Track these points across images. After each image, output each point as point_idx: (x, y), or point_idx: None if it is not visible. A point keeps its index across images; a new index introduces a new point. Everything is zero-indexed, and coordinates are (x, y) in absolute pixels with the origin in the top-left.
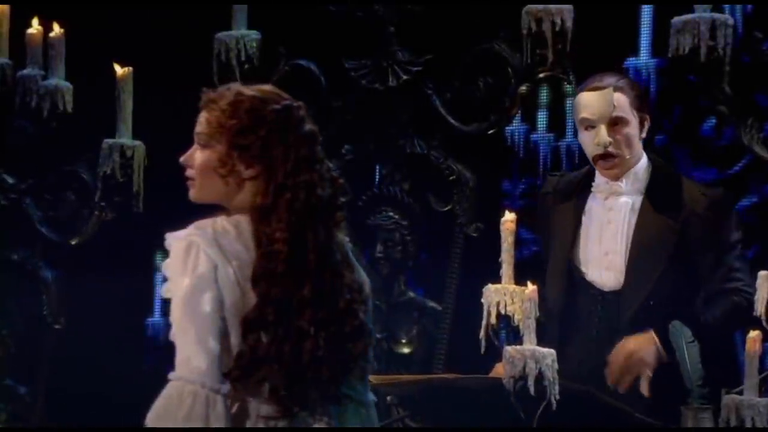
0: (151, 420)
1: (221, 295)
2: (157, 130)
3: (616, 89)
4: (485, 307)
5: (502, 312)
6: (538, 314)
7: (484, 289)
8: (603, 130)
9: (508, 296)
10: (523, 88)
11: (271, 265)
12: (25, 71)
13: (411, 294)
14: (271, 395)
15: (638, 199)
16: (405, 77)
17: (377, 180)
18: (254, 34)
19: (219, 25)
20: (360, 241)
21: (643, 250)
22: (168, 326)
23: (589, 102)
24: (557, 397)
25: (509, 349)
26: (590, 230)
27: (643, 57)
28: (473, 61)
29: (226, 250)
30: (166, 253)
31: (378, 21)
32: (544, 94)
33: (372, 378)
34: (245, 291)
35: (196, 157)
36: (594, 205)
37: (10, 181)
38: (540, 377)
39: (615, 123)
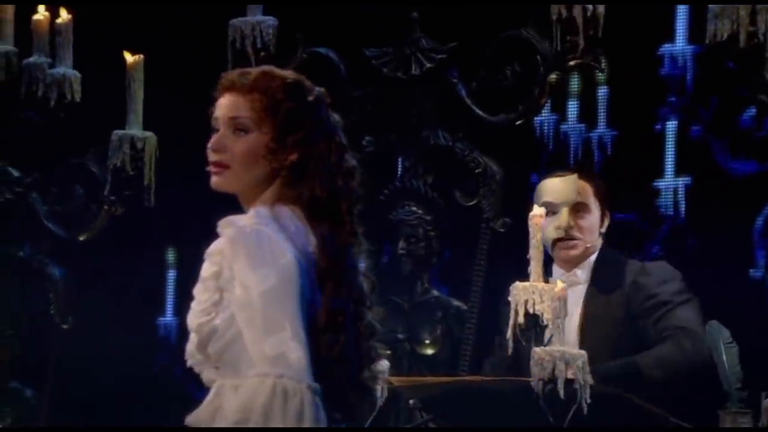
0: (249, 421)
1: (302, 288)
2: (169, 121)
3: (581, 177)
4: (513, 306)
5: (531, 311)
6: (566, 313)
7: (511, 287)
8: (565, 213)
9: (537, 294)
10: (553, 76)
11: (336, 263)
12: (31, 59)
13: (435, 292)
14: (328, 397)
15: (586, 287)
16: (428, 65)
17: (399, 173)
18: (270, 20)
19: (233, 10)
20: (381, 237)
21: (593, 335)
22: (179, 325)
23: (552, 187)
24: (588, 400)
25: (538, 351)
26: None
27: (679, 43)
28: (500, 48)
29: (293, 242)
30: (179, 249)
31: (400, 6)
32: (574, 83)
33: (394, 380)
34: (310, 287)
35: (236, 142)
36: None
37: (16, 174)
38: (570, 380)
39: (577, 209)
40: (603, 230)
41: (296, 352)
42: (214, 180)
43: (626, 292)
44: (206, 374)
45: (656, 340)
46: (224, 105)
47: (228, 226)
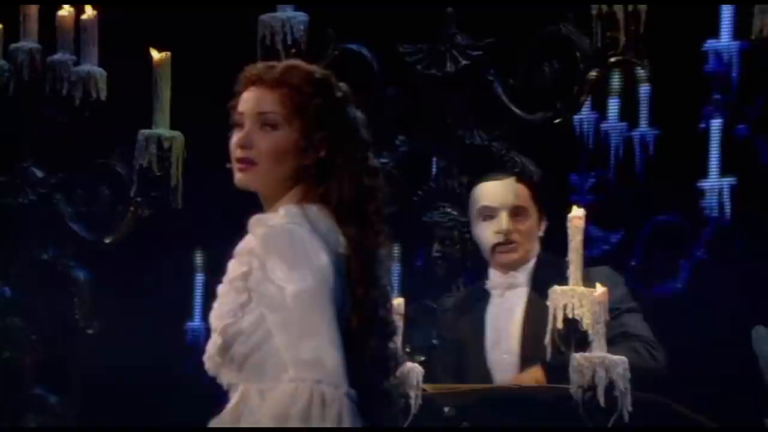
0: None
1: (335, 291)
2: (197, 120)
3: (519, 180)
4: (551, 311)
5: (570, 316)
6: (607, 318)
7: (549, 291)
8: (504, 217)
9: (576, 299)
10: (593, 73)
11: (366, 266)
12: (55, 56)
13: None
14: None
15: (528, 291)
16: (464, 62)
17: (434, 174)
18: (301, 16)
19: (263, 6)
20: (415, 239)
21: (534, 339)
22: (208, 331)
23: (489, 190)
24: (629, 408)
25: (577, 357)
26: (490, 336)
27: (724, 39)
28: (538, 44)
29: (325, 242)
30: (207, 252)
31: (435, 1)
32: (615, 80)
33: (428, 387)
34: (341, 290)
35: (263, 139)
36: (491, 310)
37: (40, 174)
38: (610, 387)
39: (516, 213)
40: (541, 234)
41: (333, 357)
42: (240, 177)
43: None
44: (226, 377)
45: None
46: (251, 99)
47: (259, 225)
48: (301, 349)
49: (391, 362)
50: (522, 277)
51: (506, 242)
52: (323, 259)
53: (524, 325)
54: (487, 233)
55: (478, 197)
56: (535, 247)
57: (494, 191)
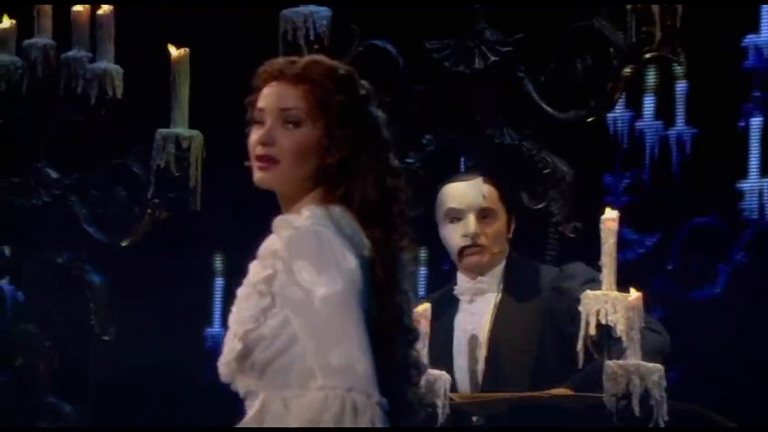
0: None
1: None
2: (216, 118)
3: (486, 180)
4: (583, 316)
5: (603, 322)
6: (642, 323)
7: (582, 296)
8: (471, 219)
9: (610, 304)
10: (627, 70)
11: (391, 270)
12: (70, 53)
13: None
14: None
15: (497, 296)
16: (493, 59)
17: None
18: (324, 11)
19: (285, 1)
20: (442, 243)
21: (509, 348)
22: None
23: (456, 192)
24: (665, 417)
25: (611, 364)
26: (457, 344)
27: (764, 34)
28: (570, 40)
29: (352, 245)
30: (227, 256)
31: None
32: (650, 77)
33: (454, 396)
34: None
35: (285, 136)
36: (460, 317)
37: (54, 175)
38: (646, 395)
39: (484, 215)
40: (510, 235)
41: (364, 364)
42: (260, 176)
43: (546, 298)
44: (244, 384)
45: None
46: (272, 95)
47: (285, 227)
48: (330, 355)
49: (413, 370)
50: (491, 281)
51: (473, 245)
52: (351, 261)
53: (492, 331)
54: (454, 236)
55: (445, 199)
56: (504, 250)
57: (461, 192)
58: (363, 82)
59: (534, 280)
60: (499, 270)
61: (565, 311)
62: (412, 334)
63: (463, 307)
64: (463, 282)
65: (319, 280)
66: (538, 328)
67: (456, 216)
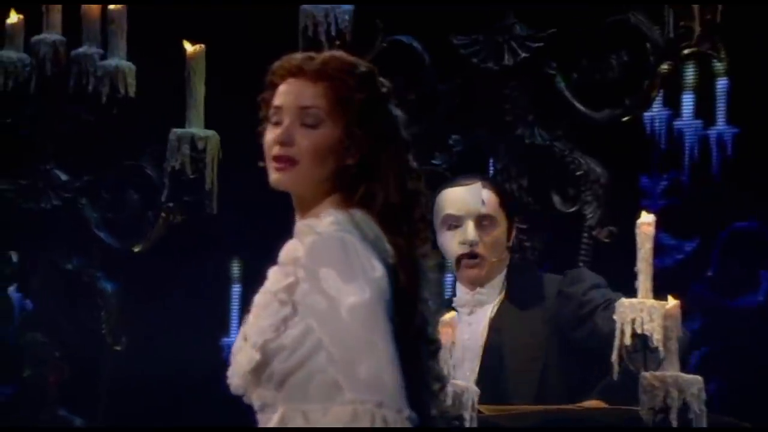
0: None
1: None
2: (234, 118)
3: (486, 186)
4: (618, 326)
5: (638, 331)
6: (680, 333)
7: (617, 304)
8: (470, 226)
9: (646, 312)
10: (665, 66)
11: (414, 277)
12: (80, 49)
13: None
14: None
15: (496, 306)
16: (523, 55)
17: (491, 176)
18: (346, 6)
19: None
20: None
21: (516, 360)
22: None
23: (455, 197)
24: None
25: (647, 376)
26: (455, 356)
27: None
28: (605, 35)
29: (376, 251)
30: (244, 262)
31: None
32: (689, 74)
33: (483, 408)
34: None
35: (304, 136)
36: (459, 329)
37: (63, 177)
38: (684, 409)
39: (483, 222)
40: (510, 243)
41: (393, 377)
42: (277, 177)
43: (551, 305)
44: (259, 396)
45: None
46: (291, 93)
47: (307, 232)
48: (358, 367)
49: (436, 383)
50: (490, 292)
51: (471, 255)
52: (378, 269)
53: (488, 341)
54: (452, 244)
55: (443, 205)
56: (505, 258)
57: (459, 198)
58: (382, 79)
59: (537, 286)
60: (499, 280)
61: (571, 316)
62: (434, 345)
63: (463, 318)
64: (462, 294)
65: (346, 289)
66: (546, 335)
67: (454, 223)
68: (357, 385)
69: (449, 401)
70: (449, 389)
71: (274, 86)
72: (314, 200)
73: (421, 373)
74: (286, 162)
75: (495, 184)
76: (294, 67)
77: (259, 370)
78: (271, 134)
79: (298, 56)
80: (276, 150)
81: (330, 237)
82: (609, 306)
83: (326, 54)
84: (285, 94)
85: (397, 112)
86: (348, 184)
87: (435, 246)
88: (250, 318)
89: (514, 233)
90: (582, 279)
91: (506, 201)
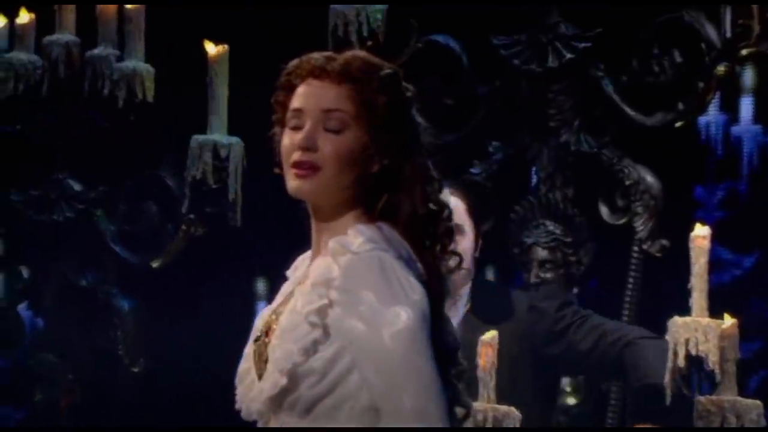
0: None
1: None
2: (259, 124)
3: (453, 193)
4: (671, 346)
5: (693, 352)
6: (737, 355)
7: (669, 323)
8: None
9: (701, 332)
10: (721, 68)
11: (444, 296)
12: (95, 51)
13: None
14: None
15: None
16: (569, 56)
17: (533, 185)
18: (379, 4)
19: None
20: (511, 263)
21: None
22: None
23: None
24: None
25: (702, 401)
26: None
27: None
28: (656, 35)
29: (412, 271)
30: (270, 278)
31: None
32: (747, 76)
33: None
34: None
35: (327, 141)
36: None
37: (77, 188)
38: None
39: None
40: (477, 254)
41: (440, 407)
42: (298, 184)
43: (522, 320)
44: (279, 424)
45: (596, 354)
46: (313, 95)
47: (341, 251)
48: (402, 396)
49: (461, 409)
50: (457, 305)
51: None
52: (417, 290)
53: None
54: None
55: None
56: (471, 271)
57: None
58: (406, 84)
59: (505, 303)
60: (464, 292)
61: (545, 332)
62: (458, 368)
63: None
64: None
65: (387, 314)
66: (514, 353)
67: None
68: (402, 415)
69: (489, 425)
70: (489, 414)
71: (292, 87)
72: (333, 210)
73: (448, 400)
74: (309, 169)
75: (462, 190)
76: (315, 68)
77: (283, 396)
78: (290, 139)
79: (318, 56)
80: (297, 156)
81: (367, 257)
82: (584, 323)
83: (348, 54)
84: (306, 96)
85: (418, 118)
86: (370, 194)
87: (460, 261)
88: (275, 341)
89: (480, 243)
90: (555, 295)
91: (475, 209)
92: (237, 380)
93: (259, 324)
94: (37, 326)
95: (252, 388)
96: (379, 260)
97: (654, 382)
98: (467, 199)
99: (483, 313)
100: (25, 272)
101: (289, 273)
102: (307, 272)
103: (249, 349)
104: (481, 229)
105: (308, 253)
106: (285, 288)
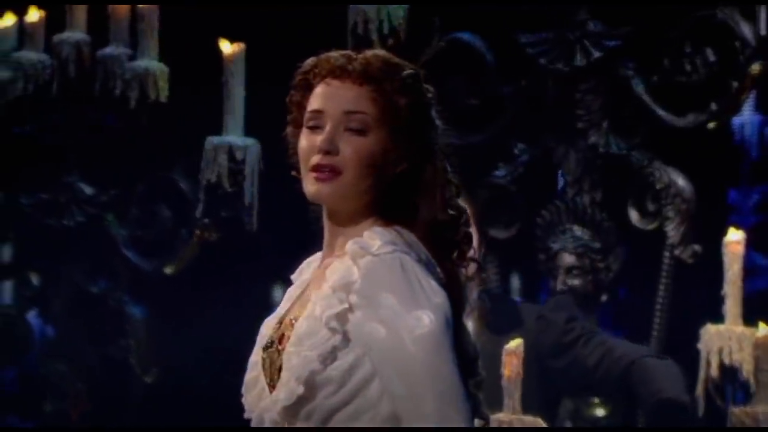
0: None
1: None
2: (276, 125)
3: None
4: (704, 355)
5: (726, 361)
6: None
7: (702, 331)
8: None
9: (735, 341)
10: (756, 66)
11: (464, 303)
12: (106, 50)
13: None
14: None
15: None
16: (597, 55)
17: (560, 189)
18: (400, 4)
19: None
20: (538, 269)
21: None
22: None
23: None
24: None
25: (736, 412)
26: None
27: None
28: (688, 32)
29: (433, 275)
30: (288, 285)
31: None
32: None
33: None
34: None
35: (348, 143)
36: None
37: (88, 191)
38: None
39: None
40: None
41: (464, 414)
42: (317, 188)
43: (530, 330)
44: None
45: (603, 370)
46: (333, 95)
47: (361, 254)
48: (425, 403)
49: (480, 421)
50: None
51: None
52: (440, 294)
53: None
54: None
55: None
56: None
57: None
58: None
59: (513, 313)
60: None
61: (553, 343)
62: (477, 378)
63: None
64: None
65: (409, 318)
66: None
67: None
68: (424, 423)
69: None
70: (515, 425)
71: (309, 87)
72: (350, 214)
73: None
74: (330, 172)
75: (466, 195)
76: (336, 67)
77: (299, 405)
78: (308, 141)
79: (337, 55)
80: (317, 159)
81: (388, 259)
82: (592, 338)
83: (369, 53)
84: (325, 96)
85: (440, 120)
86: (387, 198)
87: (480, 268)
88: (289, 347)
89: (483, 250)
90: (565, 308)
91: (478, 214)
92: (243, 389)
93: (264, 332)
94: (47, 334)
95: (262, 398)
96: (401, 262)
97: (668, 396)
98: (471, 204)
99: (490, 322)
100: (34, 279)
101: (294, 277)
102: (318, 275)
103: (256, 357)
104: (485, 235)
105: (315, 256)
106: (290, 293)
